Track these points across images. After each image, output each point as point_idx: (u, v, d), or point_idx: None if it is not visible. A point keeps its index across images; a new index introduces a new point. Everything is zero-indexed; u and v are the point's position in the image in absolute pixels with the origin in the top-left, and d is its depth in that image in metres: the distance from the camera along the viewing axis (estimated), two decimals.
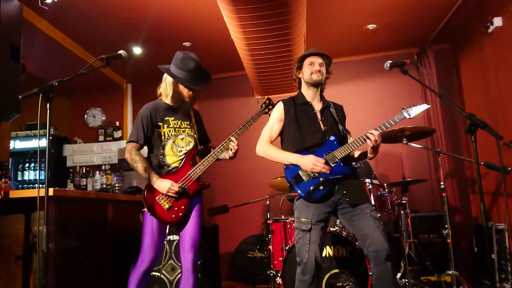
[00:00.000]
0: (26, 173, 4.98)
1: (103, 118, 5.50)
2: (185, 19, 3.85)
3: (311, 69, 2.31)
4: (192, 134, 2.45)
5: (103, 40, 4.20)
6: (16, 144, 5.04)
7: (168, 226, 2.31)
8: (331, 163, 2.15)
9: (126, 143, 2.37)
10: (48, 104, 1.75)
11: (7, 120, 2.01)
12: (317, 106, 2.36)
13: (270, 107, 2.54)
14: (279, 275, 3.17)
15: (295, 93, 2.47)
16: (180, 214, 2.25)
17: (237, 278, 4.62)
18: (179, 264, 3.00)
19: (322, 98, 2.41)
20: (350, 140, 2.30)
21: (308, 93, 2.38)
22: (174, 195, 2.22)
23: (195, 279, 2.26)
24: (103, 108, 5.53)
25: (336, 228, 3.03)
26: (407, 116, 2.16)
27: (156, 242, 2.27)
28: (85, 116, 5.53)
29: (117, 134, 5.35)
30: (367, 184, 3.16)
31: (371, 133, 2.09)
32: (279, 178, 3.84)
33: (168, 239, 3.10)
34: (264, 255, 4.26)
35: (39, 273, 1.71)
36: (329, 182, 2.15)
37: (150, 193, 2.24)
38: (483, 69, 3.92)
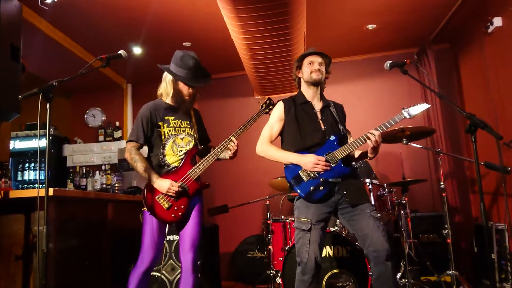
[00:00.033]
0: (26, 173, 4.98)
1: (103, 118, 5.50)
2: (185, 19, 3.85)
3: (311, 68, 2.31)
4: (192, 133, 2.45)
5: (103, 40, 4.20)
6: (16, 144, 5.04)
7: (167, 225, 2.31)
8: (331, 163, 2.15)
9: (126, 142, 2.37)
10: (48, 104, 1.75)
11: (7, 120, 2.00)
12: (317, 105, 2.36)
13: (271, 107, 2.52)
14: (279, 275, 3.17)
15: (295, 93, 2.47)
16: (180, 213, 2.25)
17: (237, 278, 4.61)
18: (179, 264, 2.99)
19: (322, 97, 2.41)
20: (350, 140, 2.29)
21: (308, 92, 2.38)
22: (174, 194, 2.22)
23: (195, 279, 2.26)
24: (103, 108, 5.53)
25: (336, 228, 3.03)
26: (407, 116, 2.16)
27: (156, 241, 2.27)
28: (85, 116, 5.53)
29: (117, 134, 5.35)
30: (367, 184, 3.16)
31: (372, 133, 2.09)
32: (279, 178, 3.84)
33: (168, 239, 3.10)
34: (264, 255, 4.26)
35: (39, 273, 1.71)
36: (329, 183, 2.15)
37: (150, 192, 2.25)
38: (483, 69, 3.92)
